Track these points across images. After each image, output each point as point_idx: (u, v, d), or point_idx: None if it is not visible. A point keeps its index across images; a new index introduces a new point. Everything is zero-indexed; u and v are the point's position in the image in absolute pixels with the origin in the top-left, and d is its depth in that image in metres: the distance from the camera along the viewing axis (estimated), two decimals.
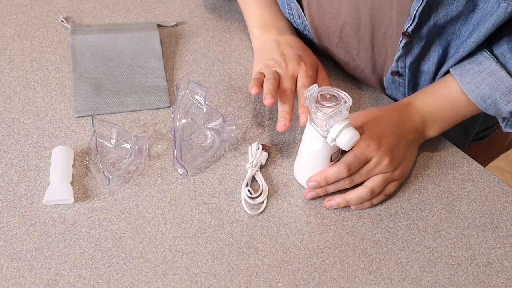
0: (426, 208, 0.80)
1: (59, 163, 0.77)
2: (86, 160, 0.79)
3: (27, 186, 0.77)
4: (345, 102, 0.69)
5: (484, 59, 0.76)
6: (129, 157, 0.79)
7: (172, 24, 0.98)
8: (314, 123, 0.72)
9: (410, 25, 0.74)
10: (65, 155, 0.78)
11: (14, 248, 0.72)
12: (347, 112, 0.69)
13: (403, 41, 0.78)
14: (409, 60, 0.82)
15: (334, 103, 0.69)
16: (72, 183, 0.77)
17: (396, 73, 0.85)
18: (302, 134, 0.86)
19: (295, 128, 0.87)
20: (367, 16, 0.79)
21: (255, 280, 0.72)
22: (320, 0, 0.84)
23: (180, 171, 0.80)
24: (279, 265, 0.73)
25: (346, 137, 0.69)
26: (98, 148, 0.78)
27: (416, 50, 0.80)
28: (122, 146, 0.80)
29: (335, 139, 0.70)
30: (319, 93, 0.70)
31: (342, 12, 0.82)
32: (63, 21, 0.95)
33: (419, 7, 0.71)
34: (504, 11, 0.68)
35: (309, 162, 0.77)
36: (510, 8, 0.68)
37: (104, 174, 0.75)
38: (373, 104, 0.91)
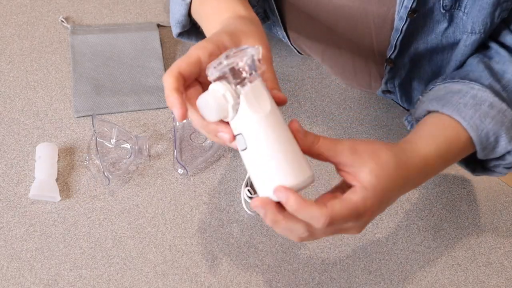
0: (426, 208, 0.80)
1: (45, 160, 0.77)
2: (86, 160, 0.79)
3: (27, 186, 0.77)
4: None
5: (478, 91, 0.64)
6: (129, 157, 0.80)
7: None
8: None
9: (392, 52, 0.73)
10: (50, 152, 0.78)
11: (14, 248, 0.72)
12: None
13: (388, 67, 0.77)
14: (397, 81, 0.80)
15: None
16: (57, 180, 0.77)
17: (387, 92, 0.84)
18: None
19: None
20: (346, 46, 0.79)
21: (255, 280, 0.72)
22: (300, 22, 0.83)
23: (180, 171, 0.80)
24: (279, 265, 0.73)
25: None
26: (98, 148, 0.78)
27: (403, 73, 0.78)
28: (122, 146, 0.80)
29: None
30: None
31: (323, 38, 0.82)
32: (63, 21, 0.95)
33: (398, 36, 0.70)
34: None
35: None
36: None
37: (104, 174, 0.75)
38: (373, 103, 0.91)
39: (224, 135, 0.52)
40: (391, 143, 0.59)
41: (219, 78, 0.51)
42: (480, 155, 0.65)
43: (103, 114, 0.85)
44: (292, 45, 0.90)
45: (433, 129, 0.64)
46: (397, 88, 0.81)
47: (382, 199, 0.55)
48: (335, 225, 0.52)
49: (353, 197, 0.53)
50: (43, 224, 0.74)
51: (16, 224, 0.74)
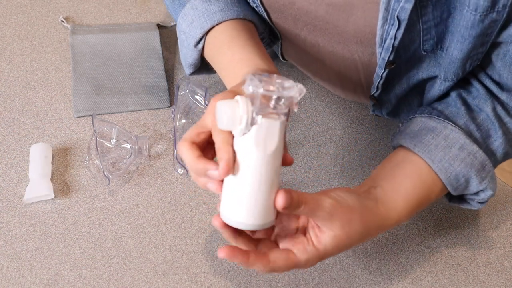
0: (426, 208, 0.80)
1: (38, 160, 0.77)
2: (86, 160, 0.79)
3: (26, 187, 0.77)
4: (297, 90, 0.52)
5: (451, 132, 0.66)
6: (129, 157, 0.80)
7: (172, 24, 0.98)
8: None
9: (375, 92, 0.74)
10: (43, 152, 0.78)
11: (14, 248, 0.72)
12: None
13: (372, 102, 0.78)
14: (384, 111, 0.81)
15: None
16: (55, 179, 0.77)
17: (377, 115, 0.85)
18: (303, 134, 0.86)
19: (295, 128, 0.87)
20: (336, 76, 0.79)
21: (255, 280, 0.72)
22: (292, 52, 0.83)
23: (180, 171, 0.80)
24: None
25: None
26: (98, 148, 0.78)
27: (389, 106, 0.78)
28: (122, 146, 0.80)
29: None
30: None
31: (312, 69, 0.82)
32: (63, 21, 0.95)
33: (379, 80, 0.70)
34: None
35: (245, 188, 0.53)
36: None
37: (104, 174, 0.75)
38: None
39: (213, 173, 0.53)
40: (369, 206, 0.60)
41: (250, 96, 0.51)
42: (453, 193, 0.67)
43: (103, 114, 0.85)
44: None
45: (407, 181, 0.65)
46: (385, 115, 0.82)
47: (325, 257, 0.59)
48: (277, 271, 0.57)
49: (300, 256, 0.56)
50: (43, 224, 0.74)
51: (16, 224, 0.74)
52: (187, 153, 0.55)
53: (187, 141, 0.56)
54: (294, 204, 0.53)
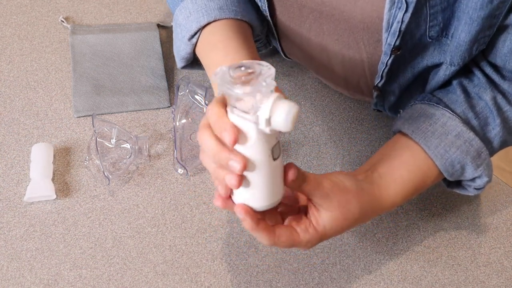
0: (426, 208, 0.81)
1: (39, 160, 0.77)
2: (86, 160, 0.79)
3: (27, 186, 0.77)
4: (269, 69, 0.51)
5: (448, 119, 0.67)
6: (129, 157, 0.80)
7: (172, 24, 0.98)
8: (236, 109, 0.52)
9: (379, 81, 0.74)
10: (45, 152, 0.78)
11: (14, 248, 0.72)
12: (274, 82, 0.51)
13: (376, 93, 0.78)
14: (387, 105, 0.81)
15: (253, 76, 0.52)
16: (56, 180, 0.77)
17: (378, 110, 0.85)
18: (303, 134, 0.86)
19: (295, 128, 0.87)
20: (340, 66, 0.79)
21: (255, 280, 0.72)
22: (293, 49, 0.83)
23: (180, 171, 0.80)
24: (279, 265, 0.73)
25: (283, 110, 0.49)
26: (98, 148, 0.78)
27: (392, 98, 0.79)
28: (122, 146, 0.80)
29: (269, 119, 0.50)
30: (231, 71, 0.51)
31: (315, 62, 0.82)
32: (63, 21, 0.95)
33: (384, 68, 0.70)
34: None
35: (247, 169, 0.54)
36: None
37: (104, 174, 0.75)
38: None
39: (235, 164, 0.51)
40: (366, 189, 0.62)
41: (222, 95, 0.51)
42: (449, 179, 0.69)
43: (103, 114, 0.85)
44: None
45: (403, 167, 0.66)
46: (387, 110, 0.82)
47: (324, 238, 0.61)
48: (279, 246, 0.59)
49: (302, 236, 0.59)
50: (43, 224, 0.74)
51: (16, 224, 0.74)
52: (210, 140, 0.52)
53: (210, 127, 0.53)
54: (300, 177, 0.55)
